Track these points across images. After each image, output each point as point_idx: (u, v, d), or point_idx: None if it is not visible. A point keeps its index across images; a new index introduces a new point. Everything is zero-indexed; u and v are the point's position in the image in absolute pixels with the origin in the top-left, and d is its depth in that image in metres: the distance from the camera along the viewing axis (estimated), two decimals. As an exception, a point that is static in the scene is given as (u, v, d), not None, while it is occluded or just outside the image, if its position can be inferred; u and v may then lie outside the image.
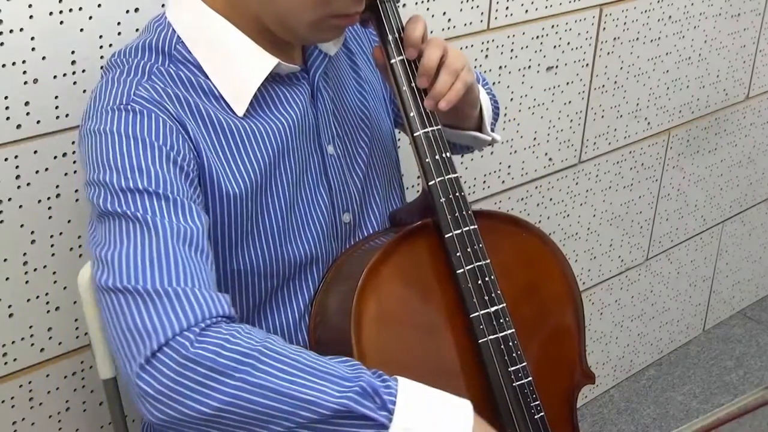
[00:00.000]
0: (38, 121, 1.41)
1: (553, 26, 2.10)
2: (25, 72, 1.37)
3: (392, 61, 1.25)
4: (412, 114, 1.24)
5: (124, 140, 1.10)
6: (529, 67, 2.10)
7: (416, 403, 1.03)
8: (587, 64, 2.22)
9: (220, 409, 0.98)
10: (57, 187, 1.45)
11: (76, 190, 1.47)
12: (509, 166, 2.16)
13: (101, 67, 1.30)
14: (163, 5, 1.47)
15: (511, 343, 1.22)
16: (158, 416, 0.99)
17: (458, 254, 1.21)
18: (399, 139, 1.53)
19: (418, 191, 1.31)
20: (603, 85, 2.29)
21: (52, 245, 1.48)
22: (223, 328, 1.01)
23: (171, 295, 1.02)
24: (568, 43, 2.16)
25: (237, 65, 1.19)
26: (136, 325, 1.01)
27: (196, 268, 1.05)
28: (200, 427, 1.00)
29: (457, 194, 1.23)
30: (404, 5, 1.80)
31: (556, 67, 2.16)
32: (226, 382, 0.98)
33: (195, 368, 0.98)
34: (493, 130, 1.49)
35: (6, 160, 1.39)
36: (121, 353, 1.01)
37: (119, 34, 1.44)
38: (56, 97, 1.41)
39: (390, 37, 1.25)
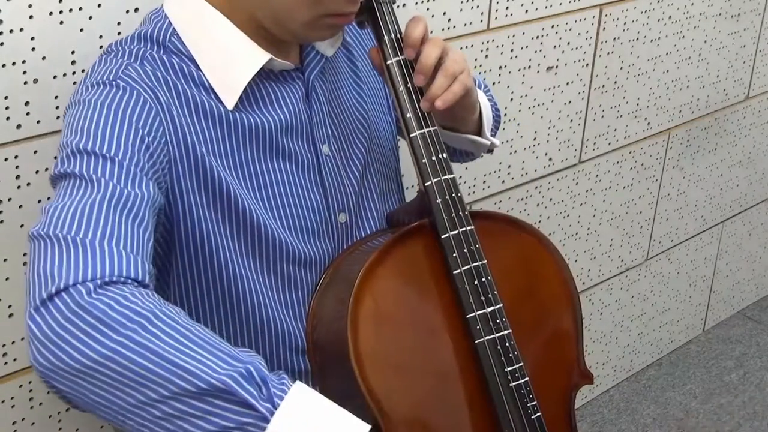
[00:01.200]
0: (38, 121, 1.41)
1: (553, 26, 2.10)
2: (25, 72, 1.37)
3: (389, 61, 1.25)
4: (408, 115, 1.24)
5: (98, 109, 1.12)
6: (529, 67, 2.10)
7: (308, 409, 0.97)
8: (587, 64, 2.22)
9: (97, 362, 0.94)
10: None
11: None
12: (509, 166, 2.17)
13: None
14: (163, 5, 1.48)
15: (507, 344, 1.22)
16: (40, 360, 0.96)
17: (455, 255, 1.21)
18: (399, 139, 1.53)
19: (416, 191, 1.31)
20: (603, 85, 2.29)
21: (51, 245, 1.48)
22: (126, 288, 0.98)
23: (87, 248, 1.00)
24: (568, 43, 2.16)
25: (229, 58, 1.20)
26: (44, 269, 0.99)
27: (125, 231, 1.04)
28: (76, 380, 0.96)
29: (453, 195, 1.23)
30: (404, 5, 1.80)
31: (556, 67, 2.16)
32: (109, 335, 0.94)
33: (84, 316, 0.95)
34: (493, 137, 1.49)
35: (6, 160, 1.40)
36: (26, 296, 1.00)
37: (119, 34, 1.44)
38: (56, 97, 1.42)
39: (386, 38, 1.25)
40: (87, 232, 1.02)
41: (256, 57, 1.21)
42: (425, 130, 1.24)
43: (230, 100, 1.20)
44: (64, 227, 1.02)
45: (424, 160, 1.23)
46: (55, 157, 1.42)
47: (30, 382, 1.53)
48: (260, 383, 0.96)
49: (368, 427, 1.00)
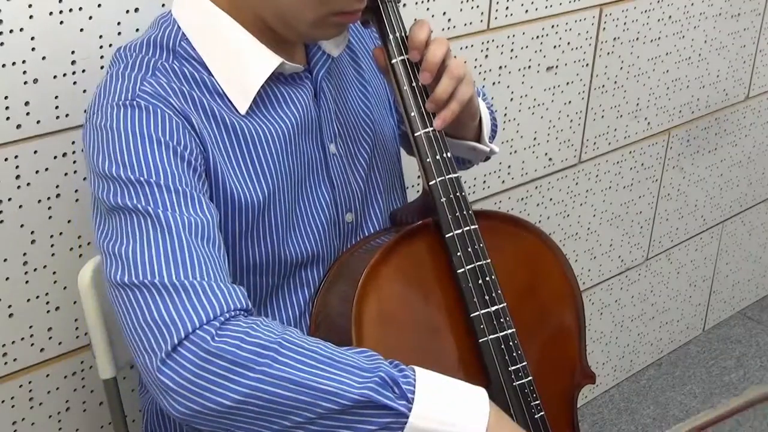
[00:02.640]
0: (38, 121, 1.41)
1: (553, 26, 2.10)
2: (25, 72, 1.37)
3: (393, 61, 1.25)
4: (412, 114, 1.24)
5: (131, 137, 1.11)
6: (529, 67, 2.10)
7: (434, 391, 1.04)
8: (587, 64, 2.22)
9: (242, 401, 0.99)
10: (57, 187, 1.45)
11: (76, 190, 1.47)
12: (509, 166, 2.16)
13: (108, 62, 1.30)
14: (163, 5, 1.47)
15: (511, 343, 1.22)
16: (180, 409, 1.00)
17: (459, 254, 1.21)
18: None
19: (418, 191, 1.31)
20: (603, 85, 2.29)
21: (52, 245, 1.47)
22: (242, 322, 1.02)
23: (188, 289, 1.02)
24: (568, 43, 2.16)
25: (241, 63, 1.20)
26: (154, 319, 1.01)
27: (211, 260, 1.06)
28: (222, 420, 1.01)
29: (457, 194, 1.23)
30: (404, 5, 1.80)
31: (556, 67, 2.16)
32: (247, 375, 0.99)
33: (216, 362, 0.99)
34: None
35: (6, 160, 1.39)
36: (140, 347, 1.02)
37: (119, 34, 1.44)
38: (56, 97, 1.41)
39: (391, 37, 1.25)
40: (179, 271, 1.04)
41: (268, 61, 1.20)
42: (429, 129, 1.24)
43: (243, 105, 1.20)
44: (154, 272, 1.03)
45: (428, 159, 1.23)
46: (55, 157, 1.43)
47: (30, 382, 1.52)
48: (392, 385, 1.03)
49: (485, 391, 1.08)
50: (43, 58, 1.38)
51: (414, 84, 1.24)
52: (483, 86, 2.01)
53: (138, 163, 1.09)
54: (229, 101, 1.20)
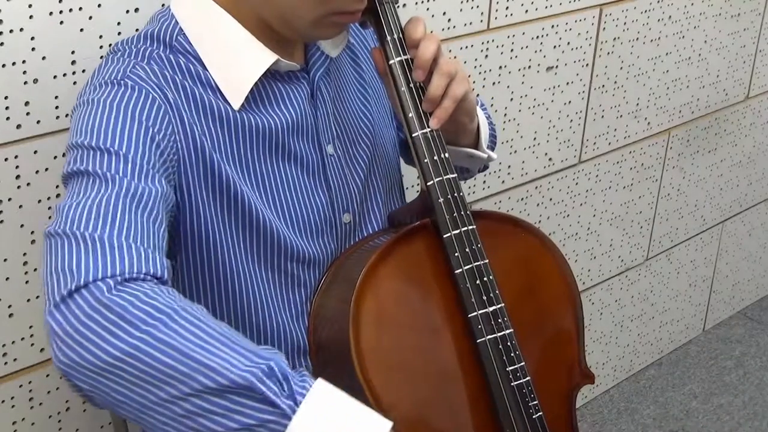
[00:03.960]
0: (38, 121, 1.41)
1: (553, 26, 2.10)
2: (25, 72, 1.37)
3: (391, 61, 1.25)
4: (410, 115, 1.24)
5: (107, 109, 1.12)
6: (529, 67, 2.10)
7: (329, 406, 0.97)
8: (587, 64, 2.22)
9: (119, 359, 0.94)
10: (57, 187, 1.45)
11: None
12: (509, 166, 2.17)
13: (101, 57, 1.30)
14: (163, 5, 1.47)
15: (509, 343, 1.22)
16: (61, 358, 0.96)
17: (457, 254, 1.21)
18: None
19: (417, 191, 1.31)
20: (603, 85, 2.29)
21: (52, 245, 1.48)
22: (146, 284, 0.98)
23: (105, 244, 1.00)
24: (568, 43, 2.16)
25: (236, 59, 1.20)
26: (62, 267, 0.99)
27: (140, 226, 1.04)
28: (99, 378, 0.95)
29: (455, 194, 1.23)
30: (404, 5, 1.80)
31: (556, 67, 2.16)
32: (130, 332, 0.94)
33: (105, 313, 0.95)
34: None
35: (6, 160, 1.39)
36: (44, 294, 0.99)
37: (119, 34, 1.44)
38: (56, 97, 1.41)
39: (389, 38, 1.25)
40: (104, 228, 1.01)
41: (263, 58, 1.21)
42: (427, 129, 1.24)
43: (236, 101, 1.20)
44: (80, 224, 1.02)
45: (426, 160, 1.23)
46: (55, 157, 1.43)
47: (30, 382, 1.52)
48: (282, 380, 0.95)
49: (390, 423, 0.99)
50: (43, 58, 1.38)
51: (411, 85, 1.24)
52: (483, 87, 2.01)
53: (106, 133, 1.09)
54: (223, 96, 1.20)
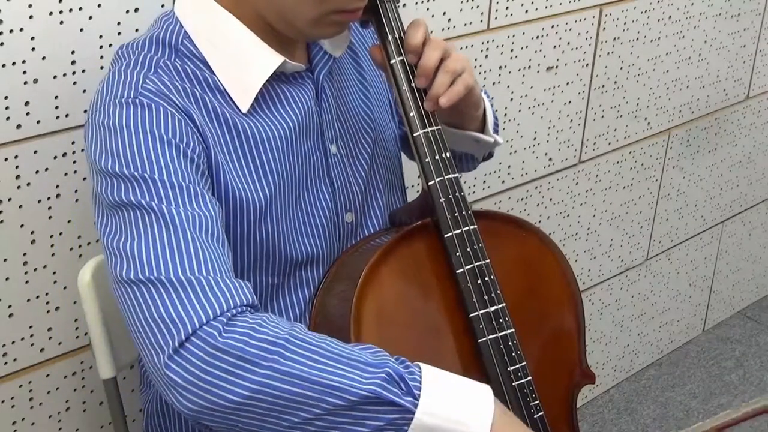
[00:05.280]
0: (38, 121, 1.41)
1: (553, 26, 2.10)
2: (25, 72, 1.37)
3: (392, 61, 1.25)
4: (411, 114, 1.24)
5: (133, 134, 1.11)
6: (529, 67, 2.10)
7: (439, 388, 1.04)
8: (587, 64, 2.22)
9: (250, 398, 0.99)
10: (57, 187, 1.45)
11: (76, 190, 1.47)
12: (509, 166, 2.17)
13: (109, 62, 1.30)
14: (163, 5, 1.47)
15: (510, 343, 1.22)
16: (189, 406, 1.00)
17: (458, 254, 1.21)
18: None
19: (418, 191, 1.31)
20: (603, 85, 2.29)
21: (52, 245, 1.48)
22: (249, 318, 1.02)
23: (195, 284, 1.02)
24: (568, 43, 2.16)
25: (243, 61, 1.20)
26: (161, 316, 1.01)
27: (216, 255, 1.06)
28: (230, 416, 1.00)
29: (456, 194, 1.23)
30: (404, 5, 1.80)
31: (556, 67, 2.16)
32: (254, 371, 0.99)
33: (224, 357, 0.99)
34: None
35: (6, 160, 1.39)
36: (148, 344, 1.02)
37: (119, 34, 1.44)
38: (56, 97, 1.41)
39: (390, 38, 1.25)
40: (185, 267, 1.03)
41: (270, 59, 1.20)
42: (429, 129, 1.24)
43: (245, 104, 1.20)
44: (160, 268, 1.03)
45: (427, 159, 1.23)
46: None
47: (30, 382, 1.52)
48: (399, 381, 1.03)
49: (489, 388, 1.08)
50: (43, 58, 1.38)
51: (413, 84, 1.24)
52: (484, 86, 2.01)
53: (140, 159, 1.09)
54: (231, 99, 1.20)
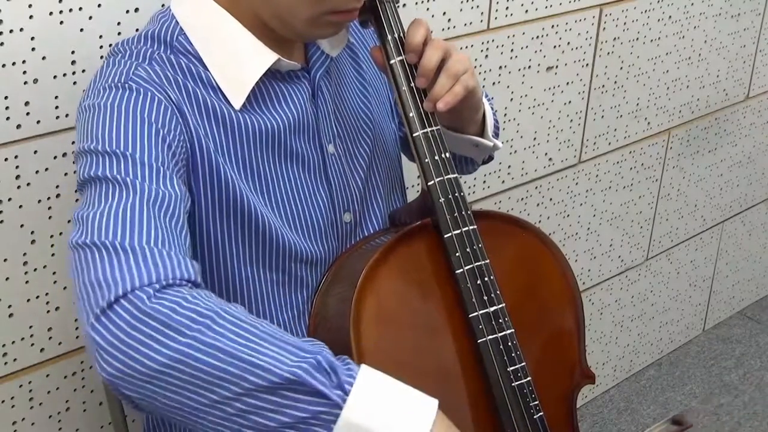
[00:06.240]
0: (38, 121, 1.41)
1: (553, 26, 2.10)
2: (25, 72, 1.37)
3: (392, 61, 1.25)
4: (411, 114, 1.24)
5: (115, 113, 1.11)
6: (529, 67, 2.10)
7: (376, 389, 0.98)
8: (587, 64, 2.22)
9: (167, 365, 0.95)
10: (57, 187, 1.45)
11: (77, 190, 1.47)
12: (509, 166, 2.17)
13: (101, 57, 1.30)
14: (163, 5, 1.47)
15: (510, 343, 1.22)
16: (107, 369, 0.96)
17: (457, 254, 1.21)
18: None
19: (418, 191, 1.31)
20: (603, 85, 2.29)
21: (52, 245, 1.48)
22: (184, 289, 0.99)
23: (138, 252, 1.00)
24: (568, 43, 2.16)
25: (237, 59, 1.20)
26: (98, 278, 0.99)
27: (167, 231, 1.04)
28: (148, 385, 0.96)
29: (456, 194, 1.23)
30: (404, 5, 1.80)
31: (556, 67, 2.16)
32: (176, 338, 0.95)
33: (148, 322, 0.96)
34: None
35: (6, 160, 1.39)
36: (80, 306, 1.00)
37: (119, 34, 1.44)
38: (56, 97, 1.41)
39: (389, 38, 1.25)
40: (133, 236, 1.02)
41: (264, 57, 1.20)
42: (428, 129, 1.24)
43: (237, 100, 1.20)
44: (108, 234, 1.02)
45: (426, 160, 1.23)
46: (55, 157, 1.43)
47: (30, 382, 1.52)
48: (329, 371, 0.97)
49: (436, 402, 1.01)
50: (43, 58, 1.38)
51: (412, 84, 1.24)
52: (483, 87, 2.01)
53: (117, 137, 1.09)
54: (224, 96, 1.20)
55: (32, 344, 1.51)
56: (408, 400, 1.00)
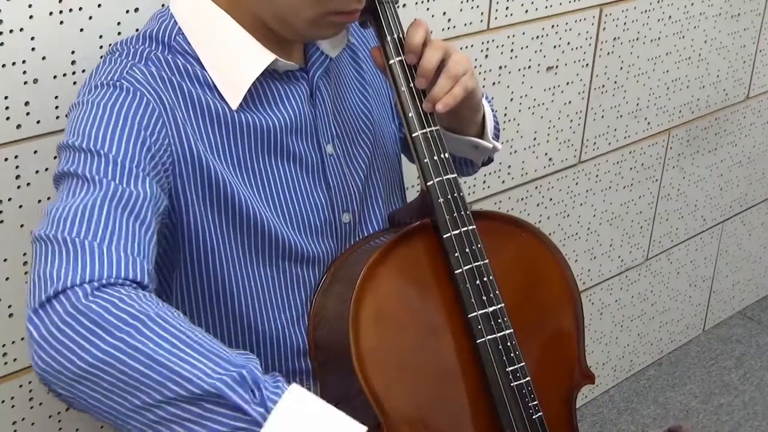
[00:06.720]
0: (38, 121, 1.41)
1: (553, 26, 2.10)
2: (25, 72, 1.37)
3: (391, 61, 1.25)
4: (410, 114, 1.24)
5: (100, 111, 1.12)
6: (529, 67, 2.10)
7: (302, 411, 0.95)
8: (587, 64, 2.22)
9: (93, 365, 0.94)
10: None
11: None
12: (509, 166, 2.17)
13: (101, 57, 1.30)
14: (162, 5, 1.47)
15: (509, 343, 1.22)
16: (39, 364, 0.96)
17: (456, 254, 1.21)
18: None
19: (417, 191, 1.31)
20: (603, 85, 2.29)
21: (51, 245, 1.48)
22: (123, 289, 0.98)
23: (85, 249, 1.00)
24: (568, 43, 2.16)
25: (234, 58, 1.20)
26: (44, 272, 0.99)
27: (125, 231, 1.03)
28: (75, 384, 0.95)
29: (455, 194, 1.23)
30: (404, 5, 1.80)
31: (556, 67, 2.16)
32: (104, 339, 0.94)
33: (80, 319, 0.95)
34: None
35: (6, 160, 1.39)
36: (27, 298, 0.99)
37: (119, 34, 1.44)
38: (56, 97, 1.41)
39: (389, 38, 1.25)
40: (87, 233, 1.01)
41: (261, 57, 1.21)
42: (427, 129, 1.24)
43: (234, 100, 1.20)
44: (65, 229, 1.01)
45: (426, 160, 1.23)
46: (55, 157, 1.43)
47: (30, 382, 1.52)
48: (253, 387, 0.94)
49: (364, 429, 0.97)
50: (43, 58, 1.38)
51: (412, 85, 1.24)
52: (483, 87, 2.01)
53: (97, 135, 1.10)
54: (221, 95, 1.20)
55: (32, 344, 1.51)
56: (334, 424, 0.97)
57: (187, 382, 0.93)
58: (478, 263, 1.22)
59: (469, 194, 2.09)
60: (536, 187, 2.25)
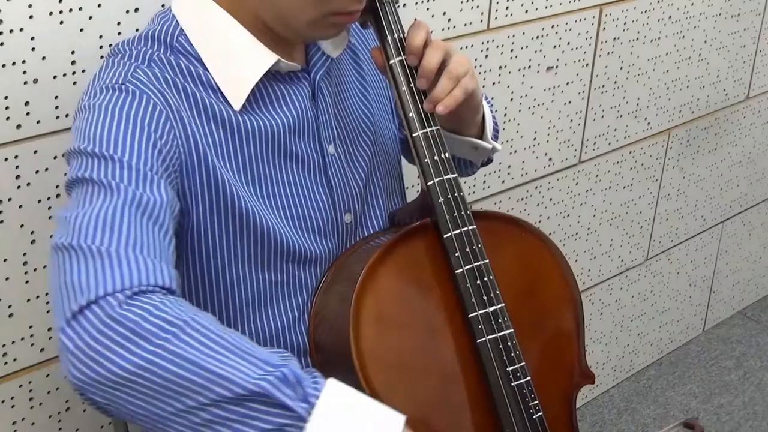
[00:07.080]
0: (38, 121, 1.41)
1: (553, 26, 2.10)
2: (25, 72, 1.37)
3: (391, 62, 1.25)
4: (411, 114, 1.24)
5: (108, 115, 1.12)
6: (529, 67, 2.10)
7: (342, 404, 0.99)
8: (587, 64, 2.22)
9: (134, 373, 0.95)
10: (57, 187, 1.45)
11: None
12: (509, 166, 2.17)
13: (101, 57, 1.30)
14: (163, 5, 1.47)
15: (509, 343, 1.22)
16: (75, 374, 0.96)
17: (457, 254, 1.21)
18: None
19: (417, 191, 1.31)
20: (603, 85, 2.29)
21: (52, 245, 1.48)
22: (155, 296, 0.99)
23: (113, 257, 1.00)
24: (568, 43, 2.16)
25: (237, 60, 1.20)
26: (73, 281, 0.99)
27: (147, 236, 1.04)
28: (114, 392, 0.97)
29: (455, 194, 1.23)
30: (404, 5, 1.80)
31: (556, 67, 2.16)
32: (143, 346, 0.95)
33: (116, 328, 0.96)
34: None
35: (6, 160, 1.39)
36: (55, 309, 1.00)
37: (119, 34, 1.44)
38: (56, 97, 1.41)
39: (389, 38, 1.25)
40: (111, 240, 1.02)
41: (264, 58, 1.20)
42: (428, 129, 1.24)
43: (237, 101, 1.20)
44: (87, 237, 1.02)
45: (426, 160, 1.23)
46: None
47: (30, 382, 1.52)
48: (295, 384, 0.97)
49: (404, 417, 1.00)
50: (43, 58, 1.38)
51: (412, 85, 1.24)
52: (483, 87, 2.01)
53: (108, 140, 1.10)
54: (224, 96, 1.20)
55: (32, 344, 1.51)
56: (374, 414, 1.00)
57: (231, 383, 0.96)
58: (479, 263, 1.22)
59: (469, 194, 2.09)
60: (536, 187, 2.25)
